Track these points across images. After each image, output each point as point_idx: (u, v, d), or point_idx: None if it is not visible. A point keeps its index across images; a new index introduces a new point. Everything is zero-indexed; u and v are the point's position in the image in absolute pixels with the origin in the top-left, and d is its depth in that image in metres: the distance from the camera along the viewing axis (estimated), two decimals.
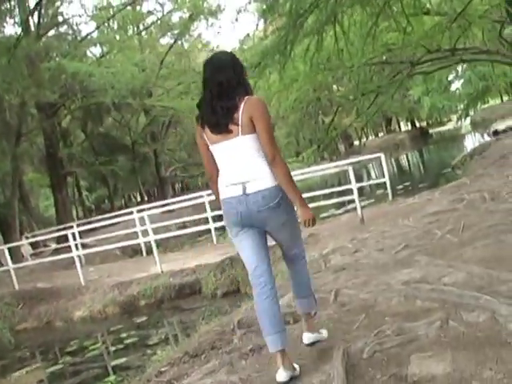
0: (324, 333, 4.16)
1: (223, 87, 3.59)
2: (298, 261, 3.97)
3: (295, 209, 3.73)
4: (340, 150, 65.40)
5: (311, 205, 4.05)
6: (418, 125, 79.41)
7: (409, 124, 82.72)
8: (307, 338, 4.09)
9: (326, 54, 14.70)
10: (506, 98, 60.38)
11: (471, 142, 46.26)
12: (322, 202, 15.16)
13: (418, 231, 7.62)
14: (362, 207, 13.32)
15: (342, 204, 17.72)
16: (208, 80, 3.67)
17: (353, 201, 13.75)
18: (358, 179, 14.78)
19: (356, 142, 72.55)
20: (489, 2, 17.25)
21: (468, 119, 52.92)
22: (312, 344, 4.08)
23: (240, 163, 3.63)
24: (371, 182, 20.34)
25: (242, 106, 3.56)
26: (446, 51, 18.57)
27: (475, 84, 38.90)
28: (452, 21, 15.14)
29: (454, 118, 60.83)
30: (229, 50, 4.49)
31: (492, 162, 17.11)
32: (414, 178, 30.39)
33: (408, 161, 47.83)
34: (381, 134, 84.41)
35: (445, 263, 5.35)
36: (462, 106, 47.12)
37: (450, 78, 43.67)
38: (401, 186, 23.24)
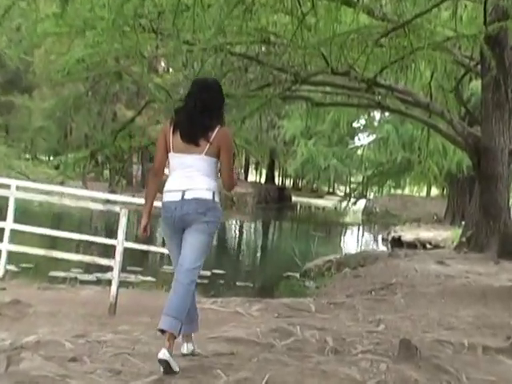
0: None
1: (206, 104, 7.06)
2: (184, 281, 7.02)
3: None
4: (136, 177, 65.76)
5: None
6: (277, 180, 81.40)
7: (263, 173, 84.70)
8: (162, 353, 6.71)
9: (158, 7, 14.63)
10: (434, 192, 62.68)
11: (352, 241, 47.80)
12: (62, 254, 15.03)
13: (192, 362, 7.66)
14: (121, 283, 13.27)
15: (100, 267, 17.53)
16: (194, 94, 7.18)
17: (110, 268, 13.79)
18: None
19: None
20: (457, 31, 17.26)
21: (361, 204, 54.66)
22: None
23: (191, 176, 7.09)
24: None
25: (215, 131, 7.05)
26: (360, 80, 18.86)
27: (393, 149, 39.65)
28: (388, 31, 15.19)
29: (340, 192, 62.76)
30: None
31: (368, 288, 17.43)
32: (236, 266, 30.96)
33: (240, 234, 48.61)
34: None
35: None
36: (359, 178, 48.72)
37: (356, 124, 44.76)
38: (208, 273, 23.32)
